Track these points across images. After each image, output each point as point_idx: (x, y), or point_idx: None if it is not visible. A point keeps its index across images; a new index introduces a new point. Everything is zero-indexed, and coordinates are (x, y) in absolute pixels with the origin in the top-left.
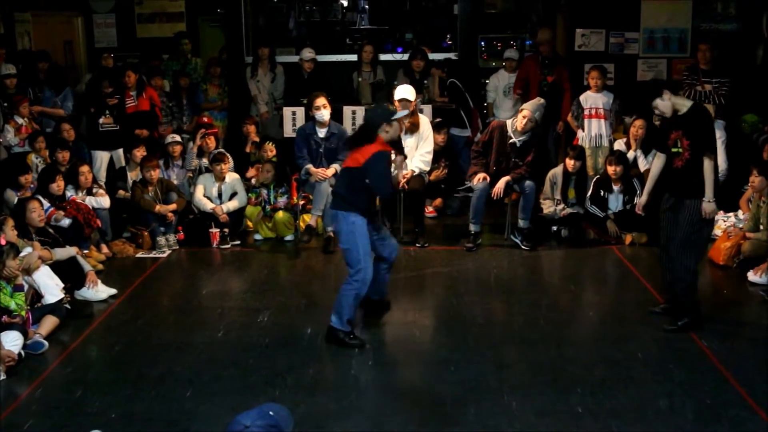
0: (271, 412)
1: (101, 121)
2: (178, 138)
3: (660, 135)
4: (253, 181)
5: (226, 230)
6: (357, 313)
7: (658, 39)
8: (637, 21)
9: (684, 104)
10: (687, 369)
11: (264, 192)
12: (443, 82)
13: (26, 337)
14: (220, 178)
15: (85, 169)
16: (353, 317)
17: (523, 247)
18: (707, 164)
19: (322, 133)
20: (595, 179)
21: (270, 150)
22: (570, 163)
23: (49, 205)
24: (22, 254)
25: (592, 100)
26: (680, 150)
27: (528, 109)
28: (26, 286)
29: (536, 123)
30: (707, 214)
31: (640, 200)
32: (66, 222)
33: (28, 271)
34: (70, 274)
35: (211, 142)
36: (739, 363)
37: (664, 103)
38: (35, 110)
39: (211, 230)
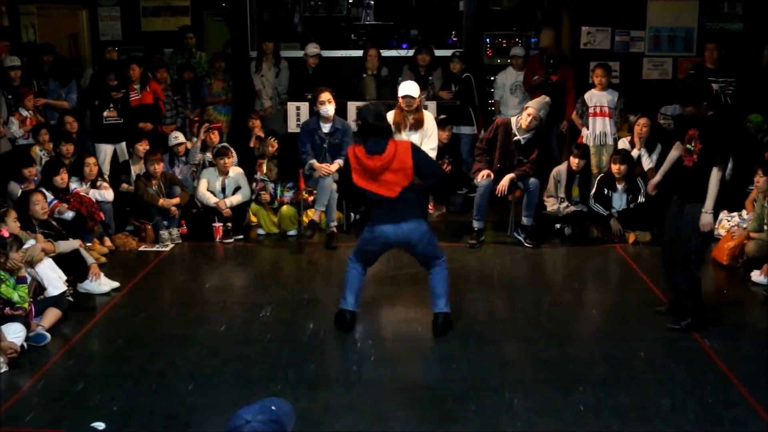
0: (273, 407)
1: (105, 114)
2: (182, 138)
3: (678, 128)
4: (258, 175)
5: (229, 225)
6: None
7: (663, 38)
8: (643, 19)
9: (707, 113)
10: (689, 369)
11: (270, 186)
12: (457, 75)
13: (29, 329)
14: (224, 173)
15: (91, 161)
16: None
17: (526, 244)
18: (714, 174)
19: (326, 128)
20: (599, 177)
21: (272, 145)
22: (574, 161)
23: (52, 197)
24: (25, 246)
25: (597, 98)
26: (692, 149)
27: (533, 107)
28: (29, 279)
29: (541, 121)
30: (703, 226)
31: (653, 180)
32: (69, 215)
33: (31, 264)
34: (73, 266)
35: (215, 137)
36: (742, 363)
37: (691, 111)
38: (40, 102)
39: (214, 224)
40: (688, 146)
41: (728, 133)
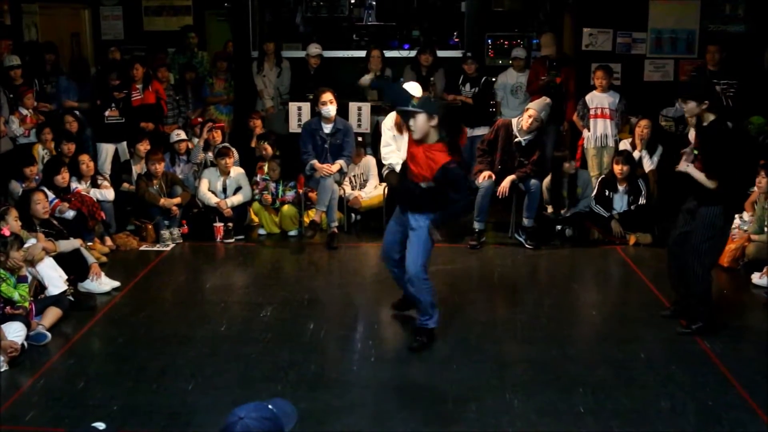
0: (270, 406)
1: (107, 113)
2: (183, 136)
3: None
4: (258, 177)
5: (230, 224)
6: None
7: (665, 39)
8: (644, 21)
9: (708, 117)
10: (689, 370)
11: (272, 186)
12: (474, 77)
13: (29, 328)
14: (225, 173)
15: (85, 158)
16: None
17: (527, 245)
18: (706, 179)
19: (327, 128)
20: (600, 179)
21: (265, 149)
22: (566, 165)
23: (53, 196)
24: (26, 245)
25: (598, 100)
26: (698, 155)
27: (534, 108)
28: (30, 278)
29: (542, 122)
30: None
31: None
32: (70, 214)
33: (32, 263)
34: (74, 266)
35: (218, 135)
36: (742, 365)
37: (692, 108)
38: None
39: (215, 224)
40: (696, 151)
41: (720, 144)
